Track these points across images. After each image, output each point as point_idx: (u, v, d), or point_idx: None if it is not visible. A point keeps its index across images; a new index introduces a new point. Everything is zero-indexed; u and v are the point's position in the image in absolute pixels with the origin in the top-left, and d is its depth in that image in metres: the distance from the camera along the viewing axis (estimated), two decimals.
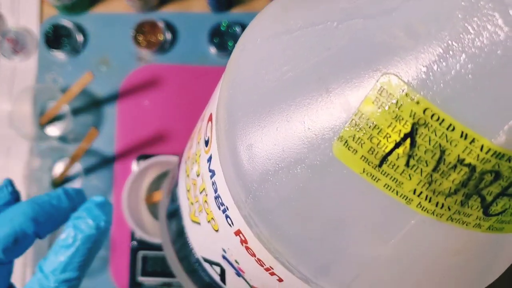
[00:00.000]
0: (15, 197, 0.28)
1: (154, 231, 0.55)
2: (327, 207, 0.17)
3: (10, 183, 0.28)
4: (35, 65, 0.61)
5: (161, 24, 0.59)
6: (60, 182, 0.58)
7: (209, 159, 0.22)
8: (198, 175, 0.25)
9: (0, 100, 0.60)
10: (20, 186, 0.58)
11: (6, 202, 0.27)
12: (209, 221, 0.24)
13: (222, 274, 0.26)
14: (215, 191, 0.22)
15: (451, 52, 0.15)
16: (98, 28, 0.61)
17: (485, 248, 0.18)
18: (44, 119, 0.58)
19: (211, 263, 0.27)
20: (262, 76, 0.19)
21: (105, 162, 0.59)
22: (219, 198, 0.22)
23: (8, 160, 0.59)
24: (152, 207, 0.56)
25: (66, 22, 0.59)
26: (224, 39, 0.59)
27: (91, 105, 0.60)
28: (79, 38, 0.60)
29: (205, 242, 0.26)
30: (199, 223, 0.26)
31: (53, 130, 0.59)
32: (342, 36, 0.17)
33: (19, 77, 0.60)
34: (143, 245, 0.55)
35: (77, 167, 0.58)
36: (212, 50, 0.60)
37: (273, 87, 0.18)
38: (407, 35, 0.15)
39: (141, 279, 0.54)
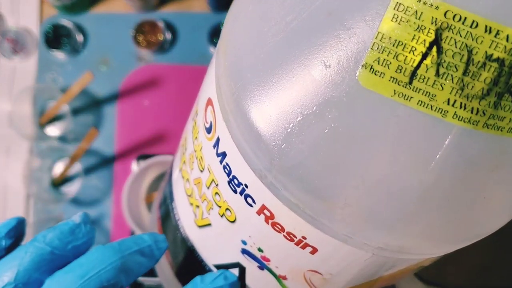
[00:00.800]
0: (92, 236, 0.24)
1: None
2: (361, 144, 0.17)
3: (88, 218, 0.23)
4: (35, 65, 0.60)
5: (161, 24, 0.59)
6: (60, 182, 0.58)
7: (216, 144, 0.22)
8: (202, 170, 0.24)
9: (0, 100, 0.60)
10: (20, 186, 0.58)
11: (84, 242, 0.23)
12: (222, 215, 0.23)
13: (242, 277, 0.25)
14: (229, 174, 0.21)
15: None
16: (98, 28, 0.61)
17: None
18: (44, 119, 0.58)
19: (228, 267, 0.26)
20: (265, 33, 0.19)
21: (105, 162, 0.59)
22: (235, 180, 0.21)
23: (8, 160, 0.59)
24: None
25: (66, 22, 0.59)
26: None
27: (91, 105, 0.60)
28: (79, 38, 0.60)
29: (219, 243, 0.26)
30: (209, 224, 0.25)
31: (53, 130, 0.59)
32: None
33: (19, 77, 0.60)
34: None
35: (77, 167, 0.58)
36: (212, 50, 0.60)
37: (280, 40, 0.18)
38: None
39: (141, 279, 0.54)
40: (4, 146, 0.59)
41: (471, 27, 0.15)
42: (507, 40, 0.15)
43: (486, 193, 0.18)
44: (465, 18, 0.15)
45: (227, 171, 0.21)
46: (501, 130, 0.17)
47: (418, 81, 0.16)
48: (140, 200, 0.56)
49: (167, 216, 0.32)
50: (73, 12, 0.61)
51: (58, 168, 0.58)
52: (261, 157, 0.19)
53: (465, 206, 0.18)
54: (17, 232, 0.22)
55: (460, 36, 0.15)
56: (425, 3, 0.15)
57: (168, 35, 0.60)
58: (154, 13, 0.61)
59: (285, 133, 0.18)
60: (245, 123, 0.19)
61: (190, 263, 0.29)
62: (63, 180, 0.58)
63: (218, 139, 0.22)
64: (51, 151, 0.58)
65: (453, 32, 0.15)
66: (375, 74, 0.16)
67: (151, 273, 0.54)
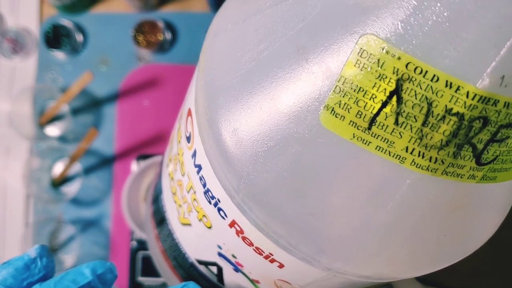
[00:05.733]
0: (51, 268, 0.22)
1: None
2: (321, 179, 0.17)
3: (44, 251, 0.21)
4: (35, 65, 0.60)
5: (161, 24, 0.59)
6: (59, 182, 0.58)
7: (194, 155, 0.22)
8: (183, 174, 0.24)
9: (0, 100, 0.60)
10: (19, 186, 0.57)
11: (41, 277, 0.21)
12: (200, 219, 0.24)
13: (220, 274, 0.26)
14: (204, 185, 0.22)
15: (425, 3, 0.15)
16: (98, 28, 0.61)
17: (481, 199, 0.18)
18: (44, 119, 0.58)
19: (207, 264, 0.27)
20: (239, 58, 0.19)
21: (105, 162, 0.59)
22: (209, 192, 0.21)
23: (8, 160, 0.59)
24: None
25: (66, 22, 0.59)
26: None
27: (90, 105, 0.60)
28: (79, 38, 0.60)
29: (198, 242, 0.26)
30: (190, 224, 0.26)
31: (53, 130, 0.59)
32: (314, 6, 0.17)
33: (19, 77, 0.60)
34: (143, 245, 0.55)
35: (77, 167, 0.58)
36: None
37: (251, 67, 0.18)
38: None
39: (141, 279, 0.54)
40: (4, 146, 0.59)
41: (431, 80, 0.15)
42: (467, 96, 0.15)
43: (446, 231, 0.18)
44: (426, 71, 0.15)
45: (202, 183, 0.22)
46: (461, 177, 0.17)
47: (377, 127, 0.16)
48: (140, 200, 0.56)
49: (157, 208, 0.32)
50: (73, 12, 0.61)
51: (58, 168, 0.58)
52: (230, 179, 0.19)
53: (424, 243, 0.19)
54: None
55: (421, 88, 0.15)
56: (387, 52, 0.15)
57: (168, 35, 0.60)
58: (154, 13, 0.61)
59: (251, 161, 0.18)
60: (216, 145, 0.19)
61: (176, 254, 0.30)
62: (63, 180, 0.58)
63: (195, 151, 0.22)
64: (51, 151, 0.58)
65: (413, 84, 0.15)
66: (336, 116, 0.16)
67: (151, 273, 0.54)
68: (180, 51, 0.61)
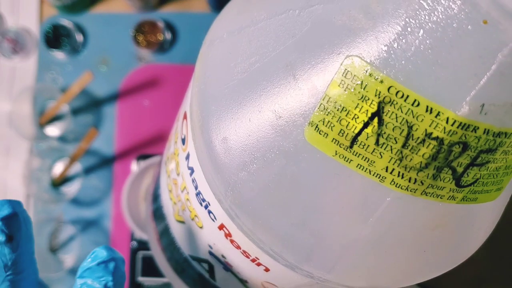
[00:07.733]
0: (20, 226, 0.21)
1: None
2: (305, 192, 0.18)
3: (10, 210, 0.20)
4: (35, 65, 0.61)
5: (161, 24, 0.59)
6: (59, 182, 0.58)
7: (187, 157, 0.23)
8: (178, 174, 0.25)
9: (0, 100, 0.60)
10: (20, 186, 0.57)
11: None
12: (193, 219, 0.24)
13: (211, 271, 0.27)
14: (196, 188, 0.22)
15: (409, 29, 0.15)
16: (98, 28, 0.61)
17: (463, 219, 0.19)
18: (44, 119, 0.58)
19: (199, 260, 0.27)
20: (231, 69, 0.19)
21: (105, 162, 0.59)
22: (200, 195, 0.22)
23: (8, 160, 0.59)
24: None
25: (66, 22, 0.59)
26: None
27: (91, 105, 0.60)
28: (79, 38, 0.60)
29: (191, 240, 0.27)
30: (183, 222, 0.26)
31: (53, 130, 0.59)
32: (304, 23, 0.17)
33: (19, 77, 0.60)
34: (143, 245, 0.55)
35: (77, 167, 0.58)
36: None
37: (243, 79, 0.19)
38: (366, 16, 0.16)
39: (141, 279, 0.54)
40: (4, 146, 0.59)
41: (412, 105, 0.15)
42: (447, 122, 0.15)
43: (426, 247, 0.19)
44: (407, 96, 0.15)
45: (194, 185, 0.22)
46: (441, 198, 0.17)
47: (359, 146, 0.16)
48: (140, 200, 0.56)
49: (157, 205, 0.33)
50: (73, 12, 0.61)
51: (58, 168, 0.58)
52: (218, 185, 0.20)
53: (404, 258, 0.19)
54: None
55: (401, 112, 0.15)
56: (371, 75, 0.15)
57: (168, 35, 0.60)
58: (154, 13, 0.61)
59: (238, 170, 0.19)
60: (206, 151, 0.20)
61: (172, 249, 0.31)
62: (63, 180, 0.58)
63: (189, 154, 0.22)
64: (51, 151, 0.58)
65: (394, 107, 0.15)
66: (320, 133, 0.17)
67: (151, 273, 0.54)
68: (180, 51, 0.61)
